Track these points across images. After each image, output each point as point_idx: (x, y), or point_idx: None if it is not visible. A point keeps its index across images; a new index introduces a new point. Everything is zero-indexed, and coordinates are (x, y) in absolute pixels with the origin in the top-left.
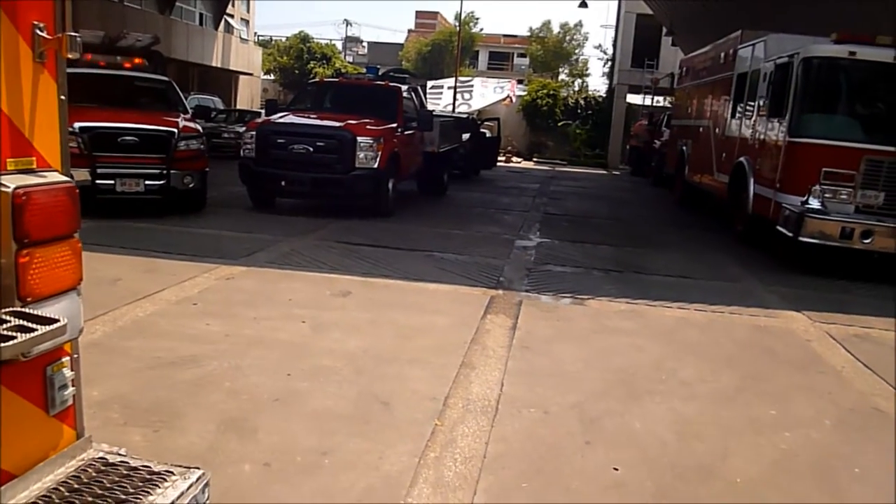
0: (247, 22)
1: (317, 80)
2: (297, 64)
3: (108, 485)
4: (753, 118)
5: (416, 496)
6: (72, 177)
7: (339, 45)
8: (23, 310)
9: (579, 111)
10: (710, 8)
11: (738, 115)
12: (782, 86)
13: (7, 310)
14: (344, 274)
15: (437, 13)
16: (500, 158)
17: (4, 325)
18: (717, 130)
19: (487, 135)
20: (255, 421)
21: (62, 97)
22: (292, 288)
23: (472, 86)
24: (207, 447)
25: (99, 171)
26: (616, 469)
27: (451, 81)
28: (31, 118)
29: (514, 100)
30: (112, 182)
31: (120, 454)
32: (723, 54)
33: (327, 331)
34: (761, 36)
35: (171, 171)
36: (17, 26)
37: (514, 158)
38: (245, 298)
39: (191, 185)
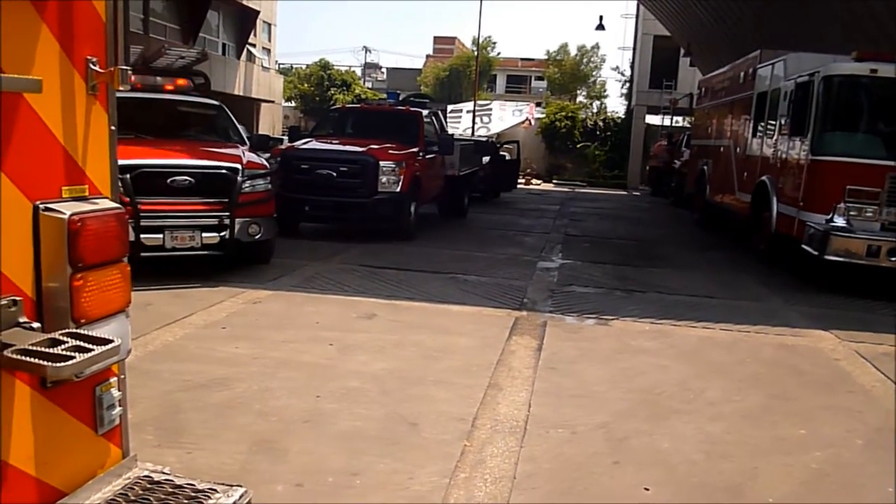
0: (268, 51)
1: (339, 106)
2: (317, 91)
3: (155, 502)
4: (775, 137)
5: None
6: (122, 203)
7: (359, 72)
8: (77, 331)
9: (598, 133)
10: (727, 28)
11: (759, 134)
12: (803, 104)
13: (63, 331)
14: (368, 297)
15: (454, 38)
16: (519, 181)
17: (62, 346)
18: (737, 150)
19: (507, 157)
20: (286, 442)
21: (112, 127)
22: (318, 311)
23: (490, 109)
24: (240, 468)
25: (144, 222)
26: (647, 489)
27: (469, 105)
28: (83, 148)
29: (532, 122)
30: (160, 236)
31: (164, 472)
32: (742, 74)
33: (353, 353)
34: (780, 55)
35: (235, 220)
36: (72, 61)
37: (534, 180)
38: (272, 322)
39: (257, 236)
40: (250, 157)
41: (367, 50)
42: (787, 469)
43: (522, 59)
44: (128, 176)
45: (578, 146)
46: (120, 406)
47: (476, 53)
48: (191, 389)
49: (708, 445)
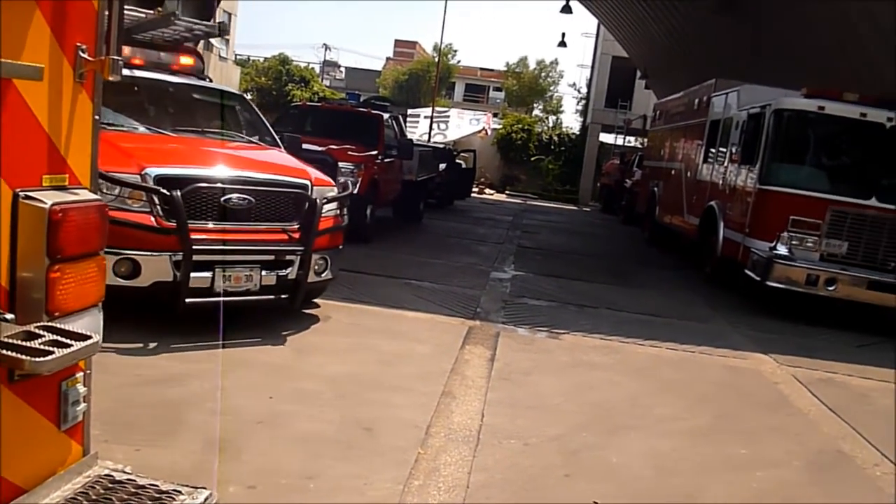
0: (227, 41)
1: (299, 103)
2: (275, 85)
3: (117, 502)
4: (725, 164)
5: None
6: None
7: (318, 69)
8: (54, 325)
9: (553, 147)
10: (684, 55)
11: (710, 160)
12: (754, 135)
13: (39, 324)
14: (323, 298)
15: (415, 43)
16: (473, 189)
17: (39, 340)
18: (688, 174)
19: (463, 166)
20: (240, 442)
21: (96, 117)
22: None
23: (448, 116)
24: (192, 467)
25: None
26: (596, 502)
27: (427, 111)
28: (67, 137)
29: (489, 132)
30: (208, 275)
31: (125, 472)
32: (697, 100)
33: (309, 355)
34: (735, 85)
35: (306, 254)
36: (62, 47)
37: (487, 190)
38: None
39: (323, 275)
40: (313, 170)
41: (326, 47)
42: (731, 487)
43: (482, 69)
44: (178, 192)
45: (533, 159)
46: (85, 402)
47: (437, 60)
48: (143, 385)
49: (657, 461)
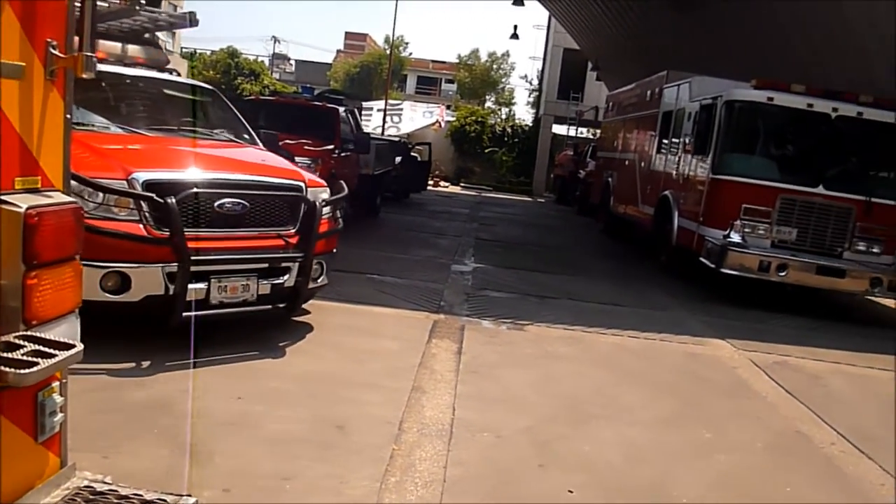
0: (173, 33)
1: (251, 97)
2: (223, 79)
3: None
4: (678, 154)
5: None
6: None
7: (267, 62)
8: (34, 334)
9: (506, 139)
10: (635, 47)
11: (663, 150)
12: (706, 125)
13: (18, 334)
14: None
15: (366, 35)
16: (429, 182)
17: (21, 351)
18: (642, 164)
19: (418, 158)
20: (210, 445)
21: (68, 116)
22: None
23: (401, 109)
24: (163, 473)
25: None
26: (571, 492)
27: (380, 104)
28: (39, 137)
29: (442, 125)
30: (203, 286)
31: (106, 482)
32: (649, 92)
33: (273, 352)
34: (686, 77)
35: (306, 260)
36: (32, 44)
37: (442, 183)
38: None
39: (319, 281)
40: (309, 174)
41: (276, 40)
42: (698, 471)
43: (434, 61)
44: (172, 200)
45: (487, 151)
46: (62, 412)
47: (390, 52)
48: (108, 389)
49: (626, 449)
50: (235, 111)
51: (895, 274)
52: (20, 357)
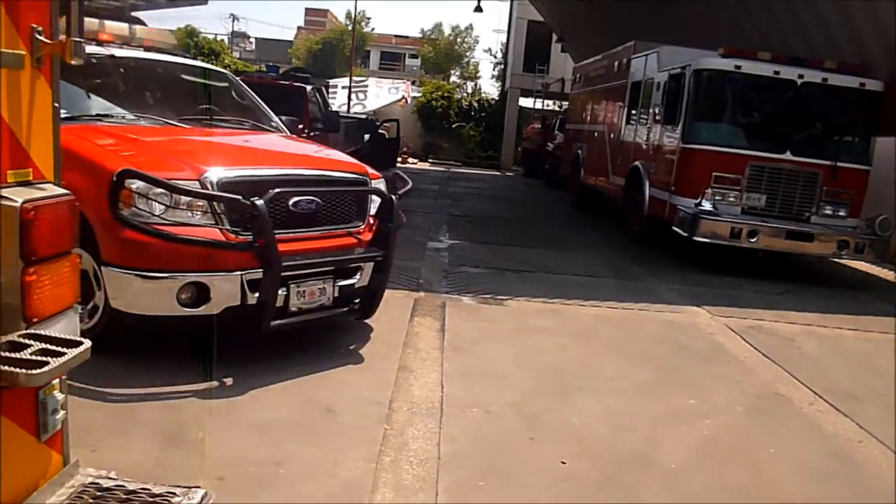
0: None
1: None
2: None
3: None
4: (648, 125)
5: (380, 500)
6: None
7: (226, 41)
8: (38, 332)
9: (473, 113)
10: (599, 17)
11: (632, 121)
12: (675, 95)
13: (21, 332)
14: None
15: (327, 11)
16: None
17: (29, 350)
18: (611, 135)
19: (386, 136)
20: (198, 434)
21: (56, 104)
22: None
23: (366, 86)
24: (154, 464)
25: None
26: (563, 462)
27: (344, 81)
28: (28, 127)
29: (408, 101)
30: (283, 292)
31: (111, 478)
32: (616, 63)
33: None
34: (653, 47)
35: (386, 258)
36: (18, 29)
37: (410, 159)
38: None
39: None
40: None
41: (234, 18)
42: (684, 437)
43: (397, 36)
44: (261, 201)
45: (454, 126)
46: (63, 410)
47: (352, 28)
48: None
49: (612, 418)
50: (255, 96)
51: (860, 236)
52: (28, 357)
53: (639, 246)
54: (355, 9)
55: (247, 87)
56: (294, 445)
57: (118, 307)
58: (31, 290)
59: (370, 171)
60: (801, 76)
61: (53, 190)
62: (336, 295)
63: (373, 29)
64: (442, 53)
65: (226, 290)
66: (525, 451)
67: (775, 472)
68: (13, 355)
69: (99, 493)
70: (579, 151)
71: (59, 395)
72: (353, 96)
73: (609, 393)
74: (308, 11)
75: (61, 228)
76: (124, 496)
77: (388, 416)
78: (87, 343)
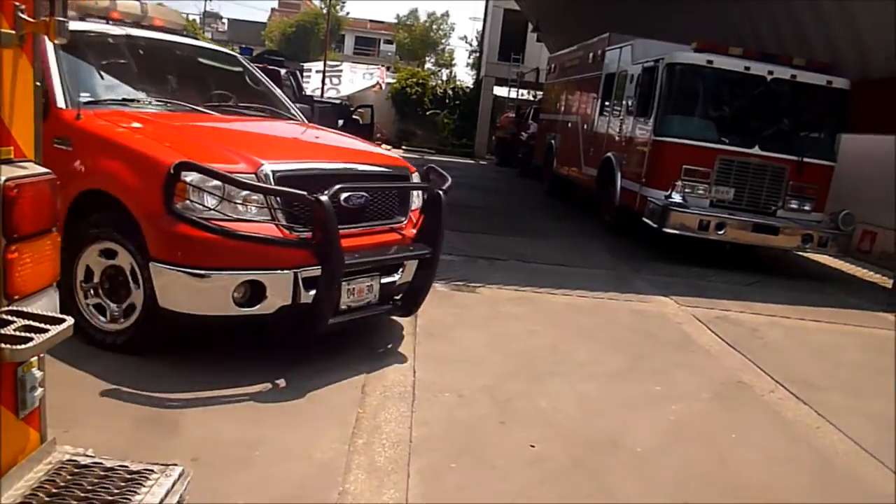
0: None
1: None
2: None
3: (89, 487)
4: (621, 116)
5: (353, 481)
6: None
7: (198, 21)
8: (21, 309)
9: (447, 101)
10: (575, 8)
11: (605, 113)
12: (648, 88)
13: (4, 309)
14: None
15: None
16: None
17: (12, 326)
18: (585, 126)
19: (360, 122)
20: (171, 415)
21: (37, 83)
22: None
23: (341, 71)
24: (127, 444)
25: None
26: (533, 446)
27: (318, 65)
28: (10, 106)
29: (383, 87)
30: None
31: (88, 455)
32: (591, 54)
33: None
34: (628, 40)
35: (434, 254)
36: (1, 8)
37: (384, 146)
38: None
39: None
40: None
41: None
42: (651, 422)
43: (372, 21)
44: (325, 197)
45: (428, 113)
46: (41, 387)
47: (327, 11)
48: (57, 363)
49: (582, 403)
50: (268, 82)
51: (824, 230)
52: (12, 333)
53: (610, 236)
54: None
55: (259, 72)
56: (268, 427)
57: (167, 306)
58: (13, 268)
59: (410, 165)
60: (770, 72)
61: (35, 168)
62: (380, 292)
63: (348, 13)
64: (417, 40)
65: (281, 288)
66: (496, 435)
67: (737, 456)
68: None
69: (77, 470)
70: (553, 141)
71: (38, 373)
72: (327, 81)
73: (579, 378)
74: None
75: (43, 206)
76: (102, 472)
77: (362, 400)
78: (70, 320)
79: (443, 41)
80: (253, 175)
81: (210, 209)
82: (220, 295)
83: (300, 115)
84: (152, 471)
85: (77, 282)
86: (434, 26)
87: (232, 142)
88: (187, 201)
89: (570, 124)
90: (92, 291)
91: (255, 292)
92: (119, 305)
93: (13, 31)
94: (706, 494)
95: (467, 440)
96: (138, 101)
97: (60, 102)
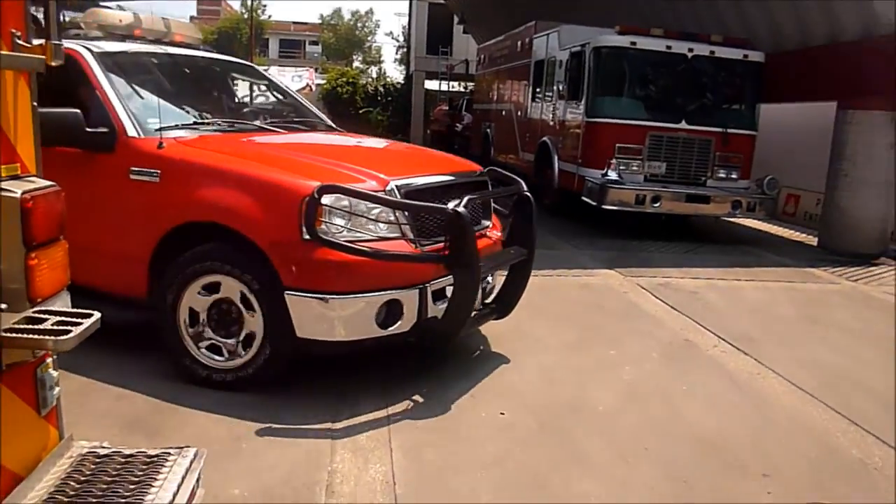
0: None
1: None
2: None
3: (114, 472)
4: (553, 101)
5: (339, 461)
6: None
7: None
8: (48, 308)
9: (379, 98)
10: None
11: (538, 98)
12: (577, 72)
13: (35, 309)
14: None
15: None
16: None
17: (48, 322)
18: (519, 113)
19: None
20: (157, 418)
21: (34, 103)
22: None
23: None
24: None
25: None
26: (503, 413)
27: None
28: (14, 125)
29: (313, 88)
30: (444, 305)
31: (105, 447)
32: (519, 43)
33: None
34: (554, 27)
35: (529, 259)
36: (1, 34)
37: None
38: None
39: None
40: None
41: (120, 8)
42: (608, 383)
43: (295, 23)
44: (462, 209)
45: (361, 111)
46: (58, 386)
47: (249, 16)
48: None
49: (544, 373)
50: (291, 90)
51: (752, 196)
52: (51, 327)
53: (553, 217)
54: None
55: (279, 82)
56: (252, 422)
57: (306, 335)
58: (34, 273)
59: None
60: (691, 50)
61: (41, 182)
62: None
63: (270, 16)
64: (343, 39)
65: (414, 304)
66: (466, 404)
67: (689, 406)
68: (36, 327)
69: (98, 460)
70: (488, 130)
71: (54, 373)
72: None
73: (539, 351)
74: (201, 0)
75: (53, 216)
76: (123, 460)
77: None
78: (97, 314)
79: (369, 39)
80: (382, 192)
81: (344, 231)
82: (363, 318)
83: (328, 121)
84: (169, 453)
85: (182, 324)
86: (359, 24)
87: (345, 160)
88: (323, 225)
89: (504, 112)
90: (202, 333)
91: (391, 311)
92: (237, 338)
93: (13, 53)
94: (665, 443)
95: (442, 412)
96: (206, 124)
97: (131, 131)
